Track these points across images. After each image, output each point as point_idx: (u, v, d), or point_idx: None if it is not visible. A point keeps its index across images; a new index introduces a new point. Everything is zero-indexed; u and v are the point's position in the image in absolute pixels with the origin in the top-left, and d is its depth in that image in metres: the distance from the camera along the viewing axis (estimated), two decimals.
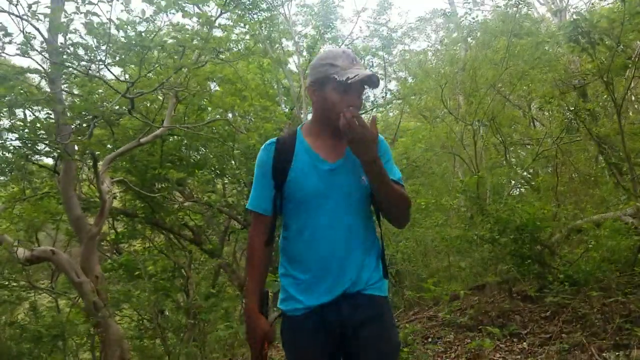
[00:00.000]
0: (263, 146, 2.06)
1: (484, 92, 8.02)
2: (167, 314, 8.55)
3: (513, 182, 8.89)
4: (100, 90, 7.32)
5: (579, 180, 9.80)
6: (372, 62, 12.92)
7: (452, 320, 5.51)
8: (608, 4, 10.57)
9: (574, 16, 6.60)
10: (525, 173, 10.68)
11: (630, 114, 10.88)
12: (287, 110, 11.89)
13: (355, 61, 1.96)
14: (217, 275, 10.98)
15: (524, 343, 4.57)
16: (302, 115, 10.29)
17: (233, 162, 10.95)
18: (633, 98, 10.61)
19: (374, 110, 13.25)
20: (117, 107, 6.08)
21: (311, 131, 2.05)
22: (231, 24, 7.95)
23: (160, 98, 7.83)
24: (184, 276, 10.94)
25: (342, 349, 1.98)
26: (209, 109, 10.08)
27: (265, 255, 2.05)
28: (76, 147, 6.11)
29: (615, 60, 5.39)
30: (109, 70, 5.34)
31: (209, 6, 7.05)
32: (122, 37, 5.24)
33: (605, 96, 8.79)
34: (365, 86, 1.96)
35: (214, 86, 9.31)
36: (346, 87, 1.88)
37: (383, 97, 12.79)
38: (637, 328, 3.82)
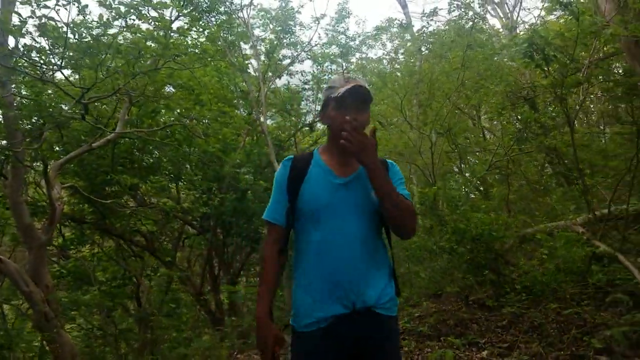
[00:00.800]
0: (282, 162, 2.19)
1: (441, 104, 8.18)
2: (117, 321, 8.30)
3: (467, 190, 9.11)
4: (49, 91, 6.99)
5: (528, 189, 10.16)
6: (330, 69, 12.95)
7: (412, 329, 5.57)
8: (557, 19, 11.05)
9: (529, 32, 6.82)
10: (477, 182, 10.99)
11: (578, 126, 11.39)
12: (245, 114, 11.74)
13: (349, 80, 2.06)
14: (171, 282, 10.72)
15: (484, 353, 4.65)
16: (261, 120, 10.16)
17: (189, 167, 10.72)
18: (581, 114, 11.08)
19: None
20: (68, 110, 5.81)
21: (326, 150, 2.17)
22: (188, 26, 7.79)
23: (114, 101, 7.55)
24: (135, 283, 10.63)
25: None
26: (163, 111, 9.83)
27: (277, 263, 2.11)
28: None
29: (569, 77, 5.60)
30: (63, 74, 5.10)
31: (166, 10, 6.88)
32: (76, 40, 4.99)
33: (553, 107, 9.17)
34: (364, 100, 2.03)
35: (170, 90, 9.06)
36: (341, 103, 2.01)
37: None
38: (592, 339, 3.96)
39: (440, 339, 5.20)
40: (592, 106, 12.82)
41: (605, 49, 6.84)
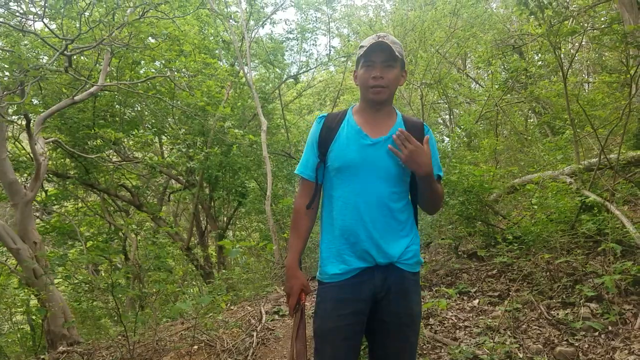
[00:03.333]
0: (316, 119, 2.23)
1: (431, 54, 8.03)
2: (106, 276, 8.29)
3: (456, 142, 9.09)
4: (25, 42, 6.67)
5: (515, 139, 10.21)
6: (315, 17, 12.59)
7: None
8: None
9: None
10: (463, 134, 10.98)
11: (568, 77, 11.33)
12: (228, 66, 11.43)
13: (378, 37, 2.04)
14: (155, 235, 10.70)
15: (475, 301, 4.75)
16: (245, 72, 9.90)
17: (171, 120, 10.50)
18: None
19: (317, 67, 13.05)
20: (50, 63, 5.55)
21: (359, 110, 2.18)
22: None
23: (95, 52, 7.25)
24: (121, 238, 10.61)
25: (370, 317, 2.08)
26: (143, 62, 9.52)
27: (307, 216, 2.19)
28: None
29: (563, 25, 5.50)
30: (45, 25, 4.81)
31: None
32: None
33: (542, 56, 9.09)
34: (396, 54, 2.02)
35: (152, 41, 8.73)
36: (369, 62, 2.03)
37: (327, 54, 12.60)
38: (583, 287, 4.05)
39: (432, 289, 5.29)
40: (578, 55, 12.77)
41: None
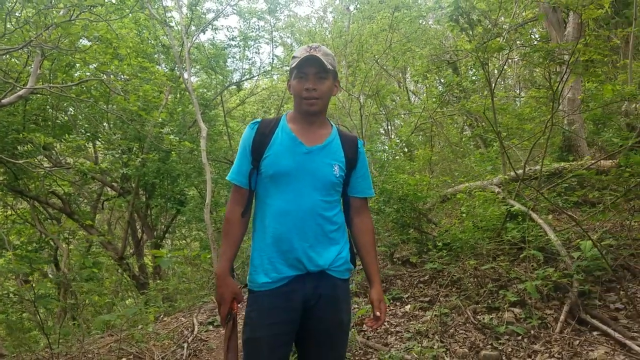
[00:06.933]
0: (249, 124, 2.20)
1: (369, 66, 8.21)
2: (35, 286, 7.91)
3: (393, 152, 9.31)
4: None
5: (449, 151, 10.57)
6: (258, 25, 12.58)
7: None
8: None
9: None
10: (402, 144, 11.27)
11: (497, 91, 11.85)
12: (167, 70, 11.21)
13: (311, 49, 2.07)
14: (90, 246, 10.31)
15: (407, 307, 4.86)
16: (185, 77, 9.74)
17: (107, 124, 10.18)
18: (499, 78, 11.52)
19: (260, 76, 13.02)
20: None
21: (293, 118, 2.18)
22: None
23: (25, 53, 6.94)
24: (52, 247, 10.15)
25: (301, 325, 2.09)
26: (78, 65, 9.20)
27: (240, 224, 2.17)
28: None
29: (492, 41, 5.77)
30: None
31: None
32: None
33: (474, 71, 9.47)
34: (328, 66, 2.05)
35: (86, 43, 8.45)
36: (301, 73, 2.05)
37: (270, 62, 12.61)
38: (507, 292, 4.24)
39: (367, 295, 5.37)
40: (509, 70, 13.41)
41: (525, 14, 7.09)
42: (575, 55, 4.88)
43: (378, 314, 2.16)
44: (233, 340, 2.12)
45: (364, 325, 4.12)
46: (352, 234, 2.26)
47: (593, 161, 5.89)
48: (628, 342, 3.39)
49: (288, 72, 2.23)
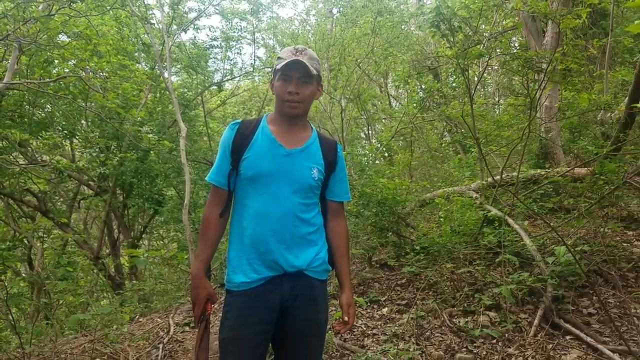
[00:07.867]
0: (229, 125, 2.19)
1: (351, 69, 8.25)
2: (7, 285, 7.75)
3: (373, 155, 9.36)
4: None
5: (428, 156, 10.68)
6: (240, 25, 12.52)
7: None
8: None
9: (437, 1, 6.99)
10: (383, 148, 11.34)
11: (476, 97, 12.01)
12: (147, 69, 11.09)
13: (297, 52, 2.07)
14: (65, 244, 10.12)
15: (384, 310, 4.88)
16: (165, 76, 9.66)
17: (84, 122, 10.02)
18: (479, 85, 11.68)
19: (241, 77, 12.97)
20: None
21: (274, 120, 2.18)
22: None
23: (1, 48, 6.81)
24: (26, 245, 9.95)
25: (277, 325, 2.10)
26: (57, 61, 9.06)
27: (218, 225, 2.16)
28: None
29: (472, 48, 5.85)
30: None
31: None
32: None
33: (455, 78, 9.59)
34: (312, 71, 2.05)
35: (65, 39, 8.31)
36: (285, 76, 2.05)
37: (252, 64, 12.58)
38: (482, 296, 4.29)
39: None
40: (489, 78, 13.60)
41: (505, 22, 7.20)
42: (553, 64, 4.98)
43: (346, 318, 2.17)
44: (205, 340, 2.11)
45: (332, 329, 4.13)
46: (327, 237, 2.26)
47: (568, 168, 6.00)
48: (600, 346, 3.46)
49: (271, 72, 2.21)
